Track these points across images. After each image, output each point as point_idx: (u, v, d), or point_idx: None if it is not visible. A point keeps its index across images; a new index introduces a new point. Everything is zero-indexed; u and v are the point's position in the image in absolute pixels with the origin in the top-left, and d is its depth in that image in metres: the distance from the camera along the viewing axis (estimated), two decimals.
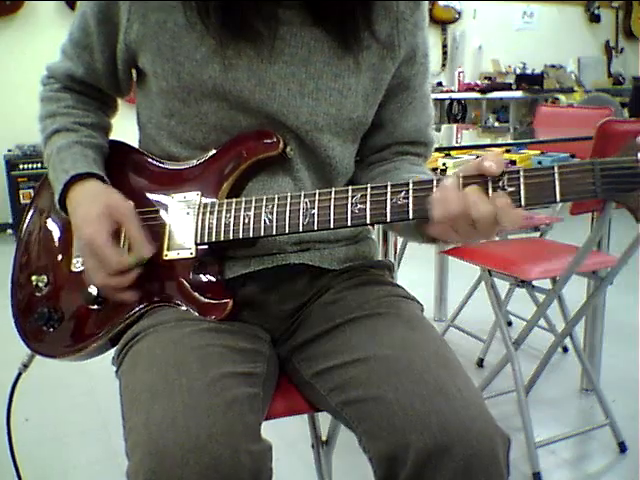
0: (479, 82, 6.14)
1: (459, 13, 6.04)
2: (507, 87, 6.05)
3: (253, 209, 0.84)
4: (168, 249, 0.89)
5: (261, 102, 0.87)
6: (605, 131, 1.50)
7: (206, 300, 0.87)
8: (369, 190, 0.79)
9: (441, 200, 0.73)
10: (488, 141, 2.40)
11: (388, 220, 0.77)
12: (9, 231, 4.27)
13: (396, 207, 0.77)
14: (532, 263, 1.71)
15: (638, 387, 2.03)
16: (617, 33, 6.93)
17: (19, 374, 1.07)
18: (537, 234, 2.30)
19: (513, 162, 1.94)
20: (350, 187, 0.80)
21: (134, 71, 0.96)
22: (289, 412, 0.92)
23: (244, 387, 0.77)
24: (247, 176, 0.90)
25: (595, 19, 6.74)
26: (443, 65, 6.13)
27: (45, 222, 1.02)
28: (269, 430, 0.78)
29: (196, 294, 0.88)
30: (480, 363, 2.31)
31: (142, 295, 0.89)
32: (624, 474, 1.68)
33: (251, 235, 0.84)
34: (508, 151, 2.10)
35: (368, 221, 0.79)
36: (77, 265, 0.95)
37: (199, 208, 0.88)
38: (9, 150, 4.24)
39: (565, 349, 2.41)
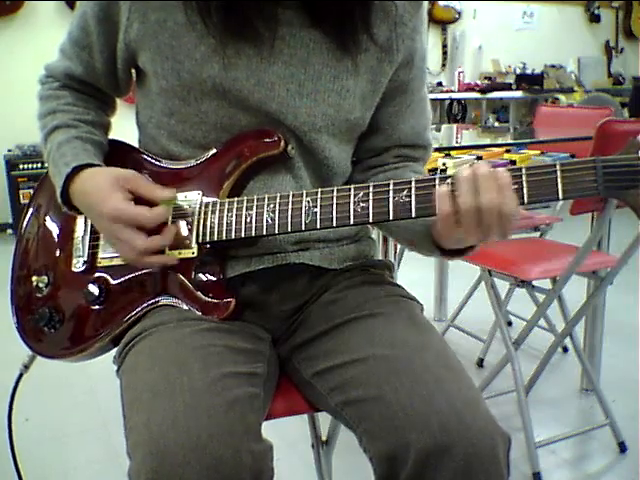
0: (479, 82, 6.14)
1: (459, 13, 6.04)
2: (507, 87, 6.05)
3: (255, 208, 0.84)
4: (170, 249, 0.89)
5: (260, 101, 0.87)
6: (605, 131, 1.50)
7: (209, 299, 0.87)
8: (371, 188, 0.79)
9: (448, 193, 0.74)
10: (488, 141, 2.40)
11: (391, 218, 0.78)
12: (9, 231, 4.27)
13: (399, 205, 0.77)
14: (532, 263, 1.71)
15: (638, 387, 2.03)
16: (617, 33, 6.93)
17: (20, 375, 1.07)
18: (537, 234, 2.30)
19: (513, 162, 1.94)
20: (352, 185, 0.80)
21: (134, 71, 0.96)
22: (289, 412, 0.92)
23: (245, 387, 0.77)
24: (248, 175, 0.90)
25: (595, 19, 6.74)
26: (443, 65, 6.13)
27: (44, 222, 1.02)
28: (269, 430, 0.78)
29: (198, 293, 0.88)
30: (480, 363, 2.31)
31: (143, 295, 0.89)
32: (624, 474, 1.68)
33: (253, 234, 0.84)
34: (508, 151, 2.10)
35: (371, 219, 0.79)
36: (78, 265, 0.95)
37: (200, 207, 0.88)
38: (9, 150, 4.24)
39: (565, 349, 2.41)
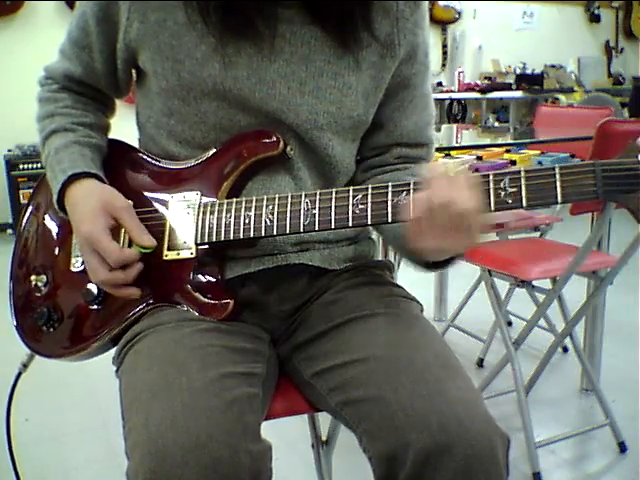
0: (479, 82, 6.14)
1: (459, 13, 6.04)
2: (507, 87, 6.05)
3: (254, 209, 0.84)
4: (168, 249, 0.89)
5: (261, 100, 0.87)
6: (605, 131, 1.50)
7: (207, 300, 0.87)
8: (370, 190, 0.79)
9: (422, 197, 0.73)
10: (488, 141, 2.40)
11: (389, 220, 0.78)
12: (9, 231, 4.27)
13: (397, 207, 0.77)
14: (532, 263, 1.71)
15: (638, 387, 2.03)
16: (617, 33, 6.93)
17: (19, 374, 1.07)
18: (537, 234, 2.30)
19: (513, 162, 1.94)
20: (351, 187, 0.80)
21: (133, 71, 0.96)
22: (289, 412, 0.92)
23: (244, 387, 0.77)
24: (247, 176, 0.90)
25: (595, 19, 6.74)
26: (443, 65, 6.13)
27: (43, 222, 1.02)
28: (269, 430, 0.78)
29: (197, 294, 0.87)
30: (480, 363, 2.31)
31: (143, 295, 0.89)
32: (624, 474, 1.68)
33: (252, 235, 0.84)
34: (508, 151, 2.10)
35: (369, 222, 0.79)
36: (76, 265, 0.95)
37: (199, 208, 0.88)
38: (9, 150, 4.25)
39: (565, 349, 2.41)
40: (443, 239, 0.72)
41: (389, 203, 0.78)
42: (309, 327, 0.92)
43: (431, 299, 2.75)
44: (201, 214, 0.88)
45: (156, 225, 0.90)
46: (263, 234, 0.84)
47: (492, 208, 0.73)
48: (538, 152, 2.12)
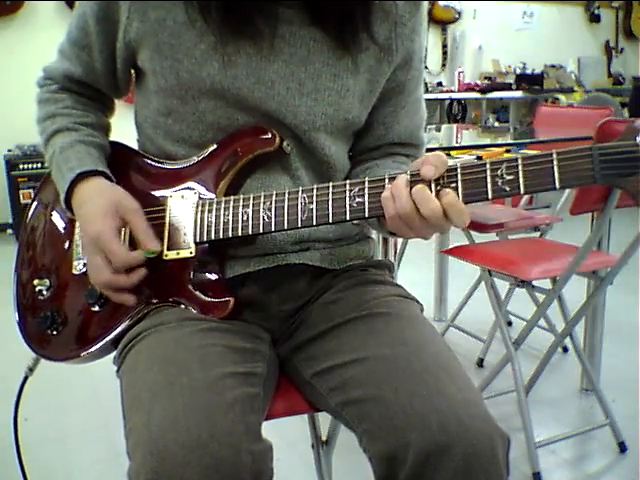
0: (479, 82, 6.14)
1: (459, 13, 6.04)
2: (507, 87, 6.05)
3: (251, 206, 0.84)
4: (168, 249, 0.89)
5: (260, 100, 0.87)
6: (605, 131, 1.50)
7: (207, 299, 0.87)
8: (367, 183, 0.79)
9: (391, 198, 0.76)
10: (488, 141, 2.39)
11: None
12: (9, 231, 4.27)
13: None
14: (532, 263, 1.71)
15: (638, 387, 2.03)
16: (617, 33, 6.93)
17: (25, 377, 1.07)
18: (537, 234, 2.30)
19: None
20: (348, 181, 0.80)
21: (132, 71, 0.96)
22: (289, 412, 0.92)
23: (245, 387, 0.77)
24: (245, 173, 0.90)
25: (595, 19, 6.73)
26: (443, 65, 6.13)
27: (45, 225, 1.02)
28: (269, 430, 0.78)
29: (197, 293, 0.88)
30: (480, 363, 2.31)
31: (143, 295, 0.89)
32: (624, 474, 1.68)
33: (250, 232, 0.84)
34: (508, 151, 2.10)
35: (366, 215, 0.79)
36: (78, 267, 0.95)
37: (197, 207, 0.88)
38: (9, 150, 4.24)
39: (565, 349, 2.41)
40: (419, 233, 0.77)
41: (382, 196, 0.78)
42: (309, 327, 0.92)
43: (431, 299, 2.75)
44: (199, 213, 0.88)
45: (155, 225, 0.90)
46: (261, 230, 0.84)
47: (489, 196, 0.73)
48: (538, 152, 2.11)
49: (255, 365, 0.83)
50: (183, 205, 0.90)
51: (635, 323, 2.53)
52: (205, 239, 0.87)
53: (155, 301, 0.89)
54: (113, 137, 1.03)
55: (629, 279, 2.55)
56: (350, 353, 0.83)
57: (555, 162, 0.70)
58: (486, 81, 6.14)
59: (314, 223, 0.81)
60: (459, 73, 6.04)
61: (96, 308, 0.92)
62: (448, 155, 2.00)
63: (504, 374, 1.84)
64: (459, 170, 0.74)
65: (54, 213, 1.01)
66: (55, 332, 0.95)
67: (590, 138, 1.56)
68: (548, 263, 1.74)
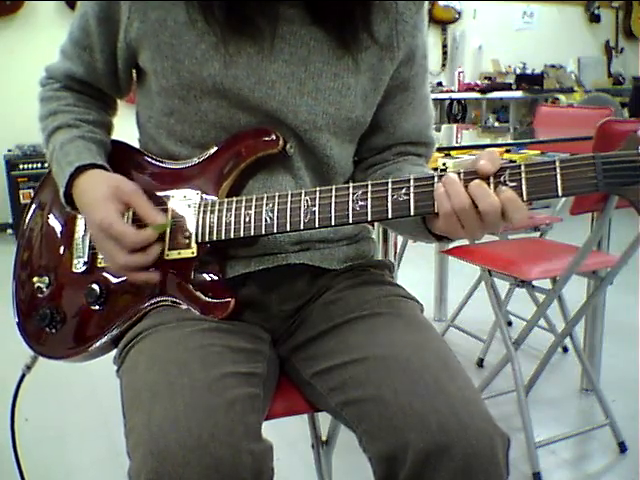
0: (479, 82, 6.14)
1: (459, 13, 6.04)
2: (507, 87, 6.05)
3: (254, 207, 0.84)
4: (169, 249, 0.89)
5: (260, 100, 0.87)
6: (605, 131, 1.50)
7: (208, 299, 0.87)
8: (370, 187, 0.79)
9: (447, 194, 0.74)
10: (488, 141, 2.40)
11: (389, 217, 0.78)
12: (9, 231, 4.27)
13: (397, 203, 0.77)
14: (532, 263, 1.71)
15: (638, 387, 2.03)
16: (617, 33, 6.93)
17: (23, 375, 1.07)
18: (537, 234, 2.31)
19: (513, 162, 1.94)
20: (351, 184, 0.80)
21: (134, 71, 0.96)
22: (289, 412, 0.92)
23: (245, 387, 0.77)
24: (247, 174, 0.90)
25: (595, 19, 6.74)
26: (443, 65, 6.13)
27: (45, 223, 1.02)
28: (269, 430, 0.78)
29: (198, 293, 0.88)
30: (480, 363, 2.31)
31: (144, 295, 0.89)
32: (624, 474, 1.68)
33: (252, 233, 0.84)
34: (508, 151, 2.11)
35: (369, 218, 0.79)
36: (78, 266, 0.95)
37: (199, 207, 0.88)
38: (9, 150, 4.24)
39: (565, 349, 2.41)
40: (472, 232, 0.76)
41: (389, 199, 0.78)
42: (309, 327, 0.92)
43: (431, 299, 2.75)
44: (202, 213, 0.88)
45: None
46: (263, 232, 0.84)
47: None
48: (538, 152, 2.12)
49: (255, 365, 0.83)
50: (185, 205, 0.90)
51: (635, 323, 2.53)
52: (207, 240, 0.87)
53: (156, 301, 0.89)
54: (114, 137, 1.03)
55: (629, 279, 2.55)
56: (350, 353, 0.83)
57: (558, 170, 0.70)
58: (486, 81, 6.14)
59: (316, 225, 0.81)
60: (459, 73, 6.04)
61: (96, 307, 0.92)
62: (448, 155, 2.00)
63: (504, 374, 1.84)
64: (462, 175, 0.74)
65: (54, 212, 1.01)
66: (54, 330, 0.95)
67: (590, 138, 1.56)
68: (548, 263, 1.74)
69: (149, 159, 0.96)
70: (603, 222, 1.55)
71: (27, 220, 1.04)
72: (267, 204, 0.83)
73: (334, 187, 0.81)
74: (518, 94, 6.04)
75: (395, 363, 0.78)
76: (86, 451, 1.80)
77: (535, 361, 1.99)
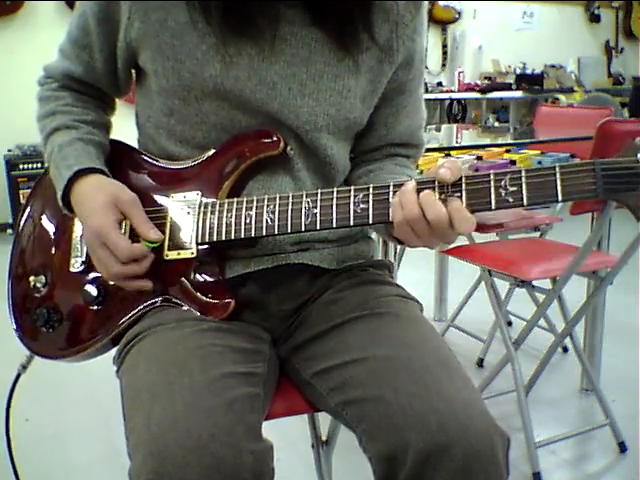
0: (479, 82, 6.14)
1: (459, 13, 6.04)
2: (507, 87, 6.05)
3: (254, 209, 0.84)
4: (169, 249, 0.89)
5: (261, 101, 0.87)
6: (605, 131, 1.50)
7: (208, 300, 0.87)
8: (371, 190, 0.79)
9: (399, 204, 0.76)
10: (488, 141, 2.40)
11: (391, 220, 0.78)
12: (9, 231, 4.26)
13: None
14: (532, 263, 1.71)
15: (638, 387, 2.03)
16: (617, 33, 6.93)
17: (18, 375, 1.07)
18: (537, 234, 2.30)
19: (513, 162, 1.94)
20: (352, 187, 0.80)
21: (134, 70, 0.96)
22: (289, 412, 0.92)
23: (245, 387, 0.77)
24: (248, 176, 0.90)
25: (595, 19, 6.73)
26: (443, 65, 6.13)
27: (42, 222, 1.02)
28: (269, 430, 0.78)
29: (198, 294, 0.88)
30: (480, 363, 2.31)
31: (143, 295, 0.89)
32: (624, 474, 1.68)
33: (253, 235, 0.84)
34: (508, 151, 2.10)
35: (371, 221, 0.79)
36: (75, 265, 0.95)
37: (199, 208, 0.88)
38: (9, 150, 4.24)
39: (565, 349, 2.41)
40: (426, 241, 0.77)
41: (390, 202, 0.78)
42: (309, 327, 0.92)
43: (431, 299, 2.75)
44: (202, 214, 0.88)
45: (157, 225, 0.90)
46: (264, 233, 0.84)
47: (493, 207, 0.74)
48: (538, 152, 2.12)
49: (255, 365, 0.83)
50: (185, 206, 0.90)
51: (635, 323, 2.53)
52: (207, 240, 0.87)
53: (155, 301, 0.89)
54: (113, 137, 1.03)
55: (629, 279, 2.54)
56: (350, 353, 0.83)
57: (558, 175, 0.71)
58: (486, 81, 6.14)
59: (317, 227, 0.81)
60: (459, 73, 6.04)
61: (94, 307, 0.92)
62: (448, 155, 2.00)
63: (504, 374, 1.84)
64: (464, 180, 0.74)
65: (52, 211, 1.01)
66: (51, 329, 0.95)
67: (590, 138, 1.56)
68: (548, 263, 1.74)
69: (149, 159, 0.96)
70: (603, 222, 1.55)
71: (23, 219, 1.04)
72: (268, 205, 0.83)
73: (335, 189, 0.81)
74: (518, 94, 6.04)
75: (395, 363, 0.78)
76: (85, 451, 1.80)
77: (535, 361, 1.99)
